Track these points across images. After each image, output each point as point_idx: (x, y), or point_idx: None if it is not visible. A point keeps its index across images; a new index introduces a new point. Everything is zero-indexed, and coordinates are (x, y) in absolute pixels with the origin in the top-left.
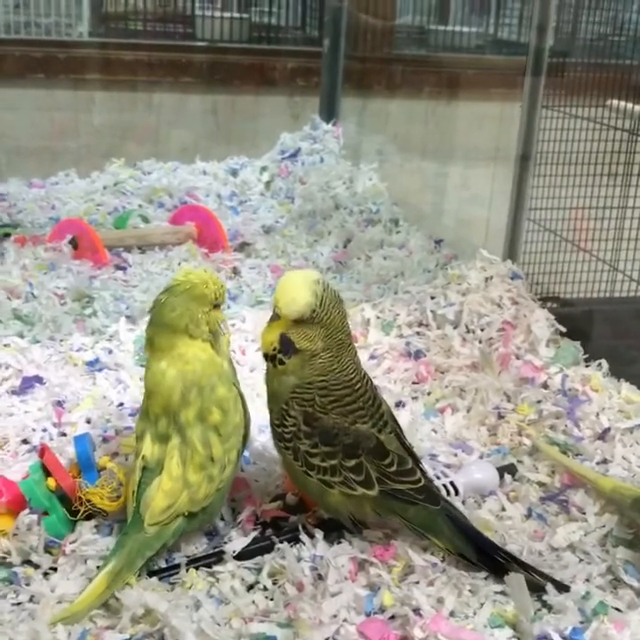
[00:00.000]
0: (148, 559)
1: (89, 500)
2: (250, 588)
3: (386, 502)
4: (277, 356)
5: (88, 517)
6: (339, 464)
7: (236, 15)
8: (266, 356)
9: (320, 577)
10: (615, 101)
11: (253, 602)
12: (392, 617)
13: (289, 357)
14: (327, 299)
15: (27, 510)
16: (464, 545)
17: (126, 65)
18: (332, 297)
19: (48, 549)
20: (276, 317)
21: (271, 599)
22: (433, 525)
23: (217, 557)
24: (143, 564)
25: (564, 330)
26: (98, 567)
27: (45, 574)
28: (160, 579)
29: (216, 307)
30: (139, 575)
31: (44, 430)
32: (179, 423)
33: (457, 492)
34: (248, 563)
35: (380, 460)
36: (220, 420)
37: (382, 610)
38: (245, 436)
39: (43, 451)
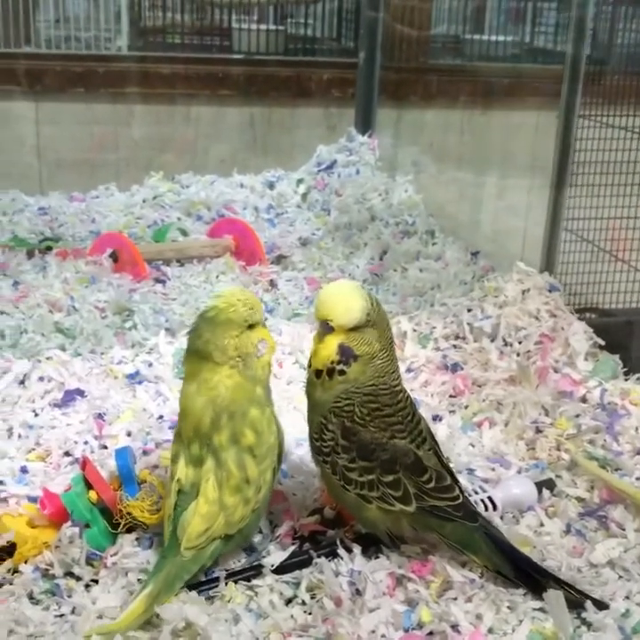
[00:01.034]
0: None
1: (129, 513)
2: (288, 602)
3: (423, 518)
4: (337, 367)
5: (129, 530)
6: (376, 479)
7: (273, 27)
8: (319, 373)
9: (358, 592)
10: None
11: (292, 616)
12: (430, 633)
13: (350, 366)
14: (374, 301)
15: (69, 523)
16: (501, 562)
17: (164, 78)
18: (376, 298)
19: (89, 562)
20: (327, 331)
21: (309, 613)
22: (470, 542)
23: (255, 571)
24: (182, 586)
25: (602, 343)
26: (139, 579)
27: (87, 586)
28: (199, 592)
29: (251, 327)
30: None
31: (86, 443)
32: (212, 446)
33: (495, 508)
34: (286, 577)
35: (418, 476)
36: (254, 441)
37: (420, 626)
38: (280, 456)
39: (84, 463)
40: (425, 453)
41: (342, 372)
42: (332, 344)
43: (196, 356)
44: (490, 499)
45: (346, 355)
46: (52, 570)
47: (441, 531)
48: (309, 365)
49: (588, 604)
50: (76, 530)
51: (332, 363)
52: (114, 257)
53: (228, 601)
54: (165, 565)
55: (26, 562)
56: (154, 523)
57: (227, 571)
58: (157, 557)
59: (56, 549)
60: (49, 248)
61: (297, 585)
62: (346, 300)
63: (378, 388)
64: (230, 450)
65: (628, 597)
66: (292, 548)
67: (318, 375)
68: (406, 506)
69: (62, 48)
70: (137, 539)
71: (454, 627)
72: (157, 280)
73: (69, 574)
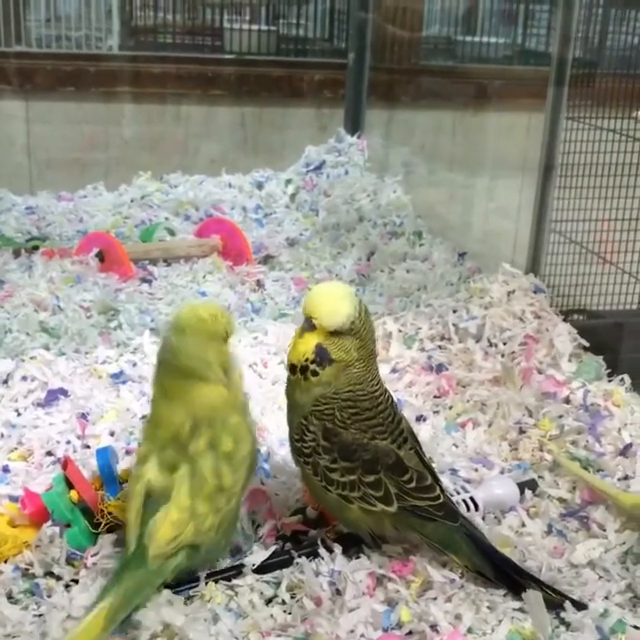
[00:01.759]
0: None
1: (111, 513)
2: (268, 601)
3: (405, 518)
4: (311, 366)
5: (110, 530)
6: (358, 480)
7: (264, 28)
8: (294, 368)
9: (338, 592)
10: None
11: (271, 616)
12: (409, 633)
13: (323, 368)
14: (363, 311)
15: (49, 522)
16: (482, 562)
17: (155, 78)
18: (366, 308)
19: (70, 561)
20: (309, 328)
21: (289, 613)
22: (451, 542)
23: (236, 571)
24: (140, 602)
25: (586, 344)
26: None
27: (67, 586)
28: (178, 592)
29: (224, 341)
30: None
31: (68, 442)
32: (188, 454)
33: (477, 508)
34: (267, 576)
35: (400, 476)
36: (232, 448)
37: (400, 625)
38: (252, 467)
39: (66, 463)
40: (406, 453)
41: (315, 373)
42: (310, 342)
43: (177, 372)
44: (471, 499)
45: (321, 356)
46: (31, 569)
47: (422, 530)
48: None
49: (567, 604)
50: (57, 529)
51: (307, 360)
52: (100, 256)
53: (208, 601)
54: (126, 577)
55: (6, 561)
56: None
57: (208, 571)
58: (117, 565)
59: (36, 549)
60: (35, 247)
61: (277, 585)
62: (334, 303)
63: (356, 394)
64: (207, 456)
65: (607, 598)
66: (273, 548)
67: (293, 371)
68: (388, 506)
69: (53, 47)
70: (117, 539)
71: (433, 626)
72: (143, 280)
73: (49, 574)
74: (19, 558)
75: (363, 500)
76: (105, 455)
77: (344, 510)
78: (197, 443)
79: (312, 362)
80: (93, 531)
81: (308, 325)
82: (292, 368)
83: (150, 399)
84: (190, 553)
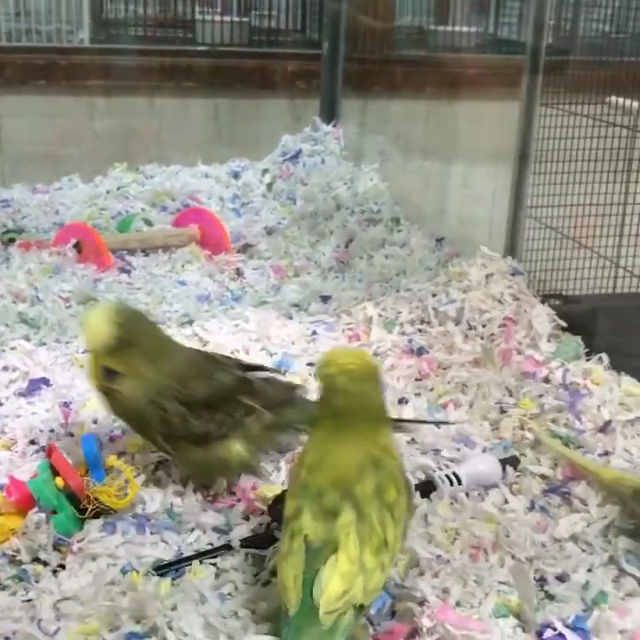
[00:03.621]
0: None
1: (97, 498)
2: (256, 581)
3: (278, 422)
4: (109, 386)
5: (96, 516)
6: (226, 415)
7: (236, 19)
8: (103, 390)
9: None
10: (615, 98)
11: (258, 595)
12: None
13: (118, 384)
14: (128, 321)
15: (35, 509)
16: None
17: (127, 70)
18: (132, 316)
19: (57, 547)
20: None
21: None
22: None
23: (224, 550)
24: None
25: (564, 325)
26: (108, 565)
27: (54, 572)
28: (165, 573)
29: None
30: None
31: (52, 431)
32: (354, 497)
33: (460, 483)
34: (253, 558)
35: (255, 394)
36: (395, 498)
37: (393, 611)
38: (407, 527)
39: (50, 450)
40: (242, 376)
41: (117, 391)
42: (94, 367)
43: (349, 415)
44: (455, 474)
45: (108, 374)
46: (19, 556)
47: (295, 418)
48: None
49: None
50: (43, 516)
51: (102, 384)
52: (77, 247)
53: (196, 580)
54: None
55: None
56: (121, 507)
57: (195, 551)
58: (284, 630)
59: (23, 536)
60: (12, 240)
61: (262, 562)
62: (93, 327)
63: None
64: (374, 503)
65: (590, 570)
66: (258, 523)
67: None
68: (263, 419)
69: (23, 41)
70: (104, 524)
71: (423, 602)
72: (122, 270)
73: (36, 560)
74: (5, 545)
75: (241, 426)
76: (90, 442)
77: (229, 456)
78: (364, 486)
79: (106, 382)
80: (80, 516)
81: (86, 352)
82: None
83: (304, 446)
84: (357, 614)
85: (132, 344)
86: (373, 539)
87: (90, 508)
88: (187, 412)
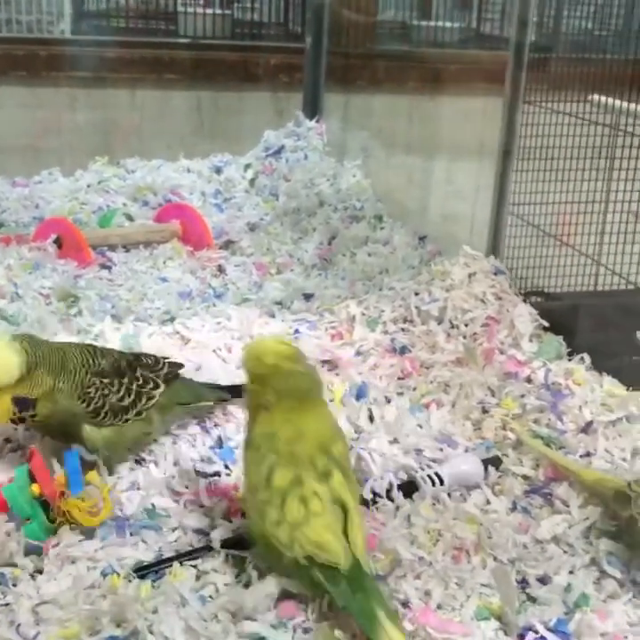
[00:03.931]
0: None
1: (68, 511)
2: (237, 582)
3: (172, 392)
4: (24, 416)
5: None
6: (137, 386)
7: (219, 11)
8: (15, 422)
9: None
10: (597, 96)
11: (239, 597)
12: None
13: (34, 408)
14: (29, 346)
15: (5, 516)
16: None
17: (109, 62)
18: (31, 341)
19: (29, 553)
20: None
21: (257, 595)
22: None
23: (204, 551)
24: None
25: (547, 325)
26: (88, 568)
27: (32, 576)
28: (144, 575)
29: None
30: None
31: (27, 429)
32: (334, 458)
33: (442, 483)
34: (234, 559)
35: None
36: (346, 450)
37: None
38: None
39: (31, 454)
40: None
41: (34, 416)
42: (4, 401)
43: (304, 393)
44: (437, 474)
45: (23, 405)
46: None
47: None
48: None
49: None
50: (13, 524)
51: (15, 415)
52: (58, 243)
53: (176, 583)
54: (370, 588)
55: None
56: (90, 525)
57: (175, 552)
58: (335, 587)
59: None
60: None
61: (243, 564)
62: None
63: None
64: (346, 461)
65: (571, 572)
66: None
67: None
68: (157, 388)
69: (3, 31)
70: (79, 529)
71: (404, 604)
72: (103, 266)
73: (11, 565)
74: None
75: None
76: (73, 458)
77: (136, 428)
78: (337, 446)
79: (20, 412)
80: (50, 523)
81: None
82: (15, 422)
83: (270, 426)
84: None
85: (37, 365)
86: (355, 492)
87: (59, 519)
88: (106, 383)
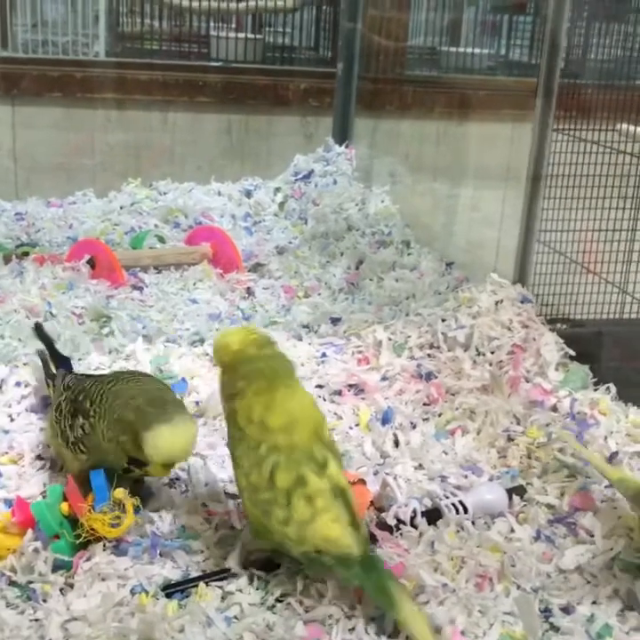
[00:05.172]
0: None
1: (91, 527)
2: (261, 604)
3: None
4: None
5: (97, 540)
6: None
7: (251, 36)
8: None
9: (321, 595)
10: (625, 125)
11: (263, 619)
12: (406, 639)
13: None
14: None
15: (31, 533)
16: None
17: (142, 84)
18: None
19: (57, 569)
20: None
21: (281, 616)
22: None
23: (228, 573)
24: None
25: (573, 353)
26: (118, 585)
27: (62, 591)
28: (172, 594)
29: None
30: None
31: None
32: (327, 444)
33: (466, 511)
34: (258, 580)
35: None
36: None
37: (397, 632)
38: None
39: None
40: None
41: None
42: None
43: (289, 377)
44: (461, 502)
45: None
46: (15, 576)
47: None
48: None
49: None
50: (41, 539)
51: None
52: (91, 263)
53: (201, 603)
54: (382, 571)
55: None
56: (114, 536)
57: (203, 571)
58: (350, 572)
59: (21, 557)
60: (26, 253)
61: (267, 587)
62: None
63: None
64: (334, 444)
65: (594, 602)
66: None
67: None
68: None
69: (39, 52)
70: (115, 546)
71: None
72: (135, 287)
73: (36, 581)
74: (4, 564)
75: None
76: (99, 477)
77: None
78: (325, 431)
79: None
80: (74, 540)
81: None
82: None
83: (250, 412)
84: None
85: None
86: (340, 464)
87: (84, 535)
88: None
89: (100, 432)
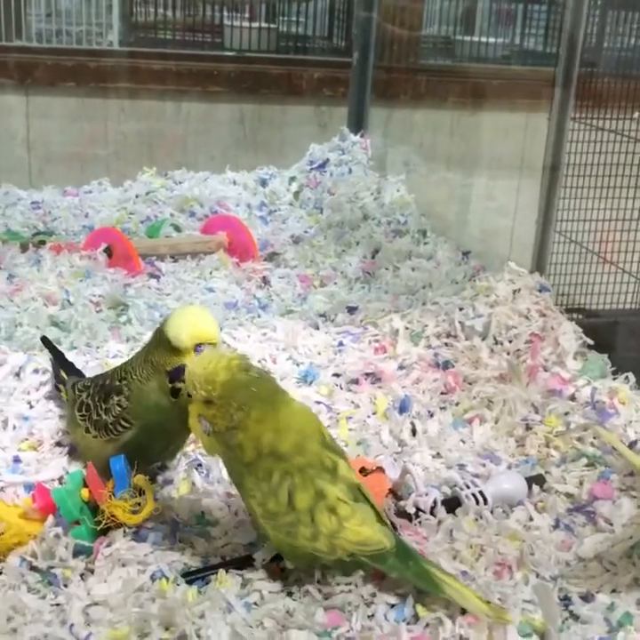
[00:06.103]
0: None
1: (112, 514)
2: (281, 590)
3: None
4: (176, 386)
5: (118, 526)
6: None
7: (264, 25)
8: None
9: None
10: None
11: (283, 605)
12: (426, 625)
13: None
14: None
15: (52, 519)
16: None
17: (155, 74)
18: None
19: (77, 555)
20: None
21: (301, 603)
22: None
23: (248, 561)
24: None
25: (591, 342)
26: (138, 571)
27: (82, 577)
28: (192, 581)
29: None
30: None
31: None
32: (332, 448)
33: (486, 502)
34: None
35: None
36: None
37: (416, 618)
38: None
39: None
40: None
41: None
42: None
43: (278, 393)
44: (480, 493)
45: (176, 374)
46: (35, 562)
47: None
48: None
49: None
50: (62, 525)
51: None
52: (108, 252)
53: (221, 589)
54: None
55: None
56: (134, 523)
57: (222, 559)
58: (387, 563)
59: (41, 542)
60: (42, 242)
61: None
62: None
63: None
64: (335, 443)
65: (614, 591)
66: None
67: None
68: None
69: (53, 42)
70: (135, 532)
71: (451, 617)
72: (151, 275)
73: (56, 566)
74: (24, 550)
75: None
76: (119, 463)
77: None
78: (326, 434)
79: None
80: (94, 527)
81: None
82: None
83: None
84: None
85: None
86: (346, 458)
87: (104, 521)
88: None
89: (137, 382)
